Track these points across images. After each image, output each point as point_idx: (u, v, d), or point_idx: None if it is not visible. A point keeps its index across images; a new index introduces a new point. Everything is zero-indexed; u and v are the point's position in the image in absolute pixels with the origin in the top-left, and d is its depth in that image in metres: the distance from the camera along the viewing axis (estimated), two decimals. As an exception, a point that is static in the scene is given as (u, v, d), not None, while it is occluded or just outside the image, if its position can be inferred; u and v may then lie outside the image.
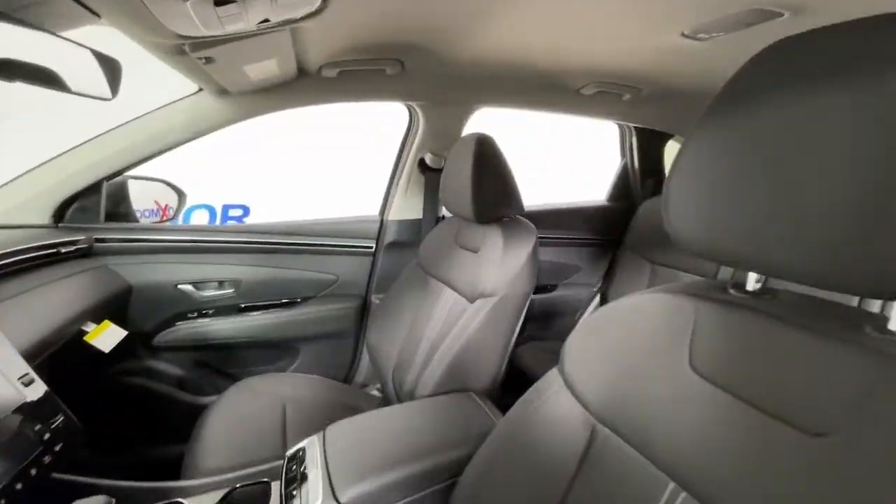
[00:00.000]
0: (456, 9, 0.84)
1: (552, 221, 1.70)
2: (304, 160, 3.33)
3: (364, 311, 1.56)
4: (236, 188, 3.36)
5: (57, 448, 0.69)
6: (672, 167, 0.50)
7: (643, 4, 0.82)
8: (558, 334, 1.93)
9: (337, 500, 0.68)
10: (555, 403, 0.64)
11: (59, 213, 1.16)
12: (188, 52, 0.74)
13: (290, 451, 0.83)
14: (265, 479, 0.84)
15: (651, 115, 1.63)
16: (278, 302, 1.45)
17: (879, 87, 0.34)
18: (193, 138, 1.17)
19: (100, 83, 0.62)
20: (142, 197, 1.42)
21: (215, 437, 1.07)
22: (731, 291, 0.53)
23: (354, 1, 0.75)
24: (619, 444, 0.55)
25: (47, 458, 0.66)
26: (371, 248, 1.53)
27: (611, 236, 1.86)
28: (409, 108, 1.40)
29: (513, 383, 1.07)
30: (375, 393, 1.49)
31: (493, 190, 1.10)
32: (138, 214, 1.42)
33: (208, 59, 0.79)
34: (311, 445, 0.82)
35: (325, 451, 0.78)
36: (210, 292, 1.37)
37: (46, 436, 0.68)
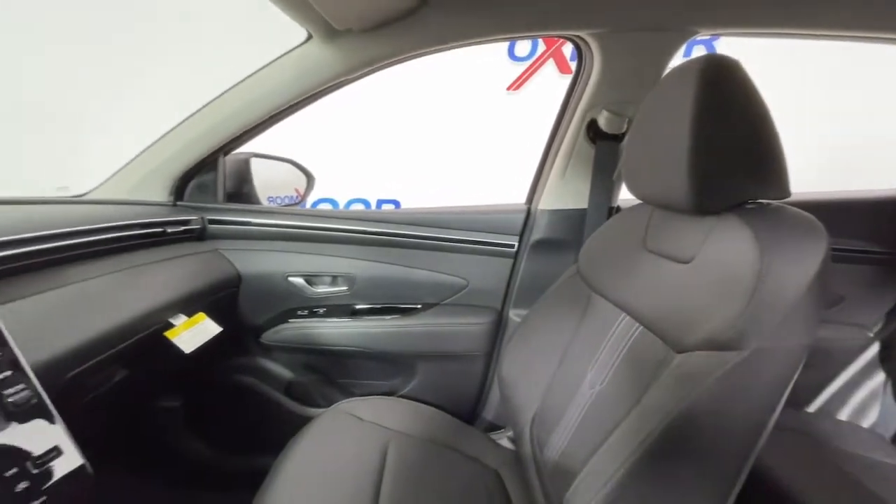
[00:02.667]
0: None
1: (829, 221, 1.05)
2: (465, 145, 3.09)
3: (499, 330, 1.19)
4: (388, 181, 3.32)
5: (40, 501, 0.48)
6: None
7: None
8: (804, 399, 1.25)
9: None
10: None
11: (179, 191, 1.07)
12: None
13: None
14: None
15: None
16: (395, 306, 1.18)
17: None
18: (307, 95, 0.95)
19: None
20: (268, 178, 1.30)
21: (296, 480, 0.83)
22: None
23: None
24: None
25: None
26: (512, 246, 1.14)
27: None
28: (578, 44, 0.96)
29: None
30: (506, 443, 1.11)
31: (732, 154, 0.60)
32: (268, 201, 1.31)
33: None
34: None
35: None
36: (322, 288, 1.17)
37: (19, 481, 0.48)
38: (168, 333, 0.84)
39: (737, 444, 0.54)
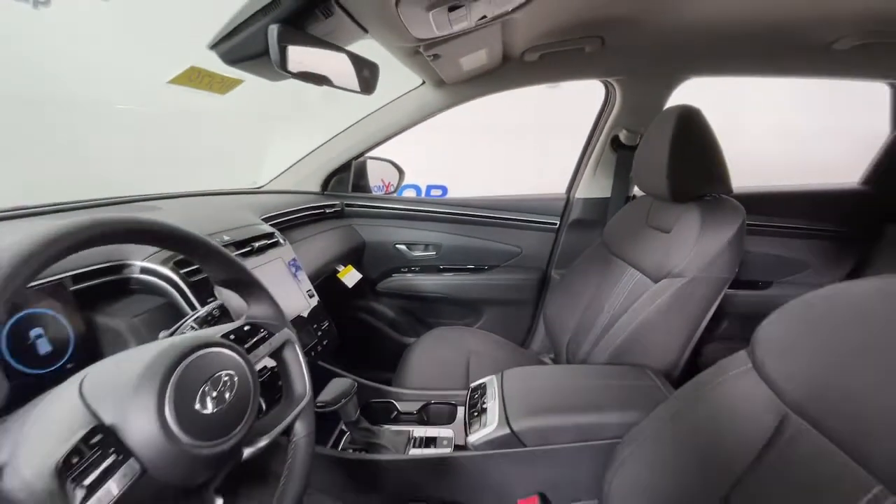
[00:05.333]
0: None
1: (776, 207, 1.44)
2: (497, 142, 3.54)
3: (544, 284, 1.64)
4: (436, 171, 3.81)
5: (324, 343, 0.99)
6: None
7: None
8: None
9: (510, 426, 0.80)
10: (739, 385, 0.61)
11: (325, 184, 1.57)
12: (422, 51, 0.94)
13: (473, 384, 0.99)
14: (453, 402, 1.03)
15: None
16: (469, 267, 1.65)
17: None
18: (417, 123, 1.43)
19: (362, 83, 0.85)
20: (375, 173, 1.79)
21: (417, 367, 1.32)
22: None
23: (560, -14, 0.81)
24: (814, 436, 0.50)
25: (319, 349, 0.96)
26: (555, 224, 1.59)
27: (862, 229, 1.48)
28: (606, 84, 1.39)
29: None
30: (548, 361, 1.57)
31: (693, 165, 1.02)
32: (372, 188, 1.80)
33: (435, 56, 0.98)
34: (491, 382, 0.96)
35: (502, 387, 0.91)
36: (418, 253, 1.65)
37: (318, 333, 0.99)
38: (339, 275, 1.35)
39: (682, 331, 0.98)
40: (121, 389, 0.40)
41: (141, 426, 0.38)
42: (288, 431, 0.57)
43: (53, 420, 0.38)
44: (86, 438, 0.35)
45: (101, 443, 0.36)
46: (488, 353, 1.43)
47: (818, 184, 1.54)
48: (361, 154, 1.54)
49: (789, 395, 0.54)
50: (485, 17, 0.79)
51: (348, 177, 1.59)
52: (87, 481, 0.34)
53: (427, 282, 1.65)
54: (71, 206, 0.86)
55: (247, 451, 0.49)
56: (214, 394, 0.44)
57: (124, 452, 0.37)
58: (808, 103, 2.73)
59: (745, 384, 0.60)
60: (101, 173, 1.79)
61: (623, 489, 0.69)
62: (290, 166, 1.55)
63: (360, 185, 1.70)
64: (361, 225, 1.60)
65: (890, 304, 0.48)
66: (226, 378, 0.46)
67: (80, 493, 0.33)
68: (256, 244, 0.92)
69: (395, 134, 1.46)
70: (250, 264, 0.90)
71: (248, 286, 0.61)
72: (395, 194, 1.77)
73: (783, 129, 2.86)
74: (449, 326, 1.58)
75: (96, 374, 0.42)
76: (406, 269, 1.66)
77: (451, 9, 0.70)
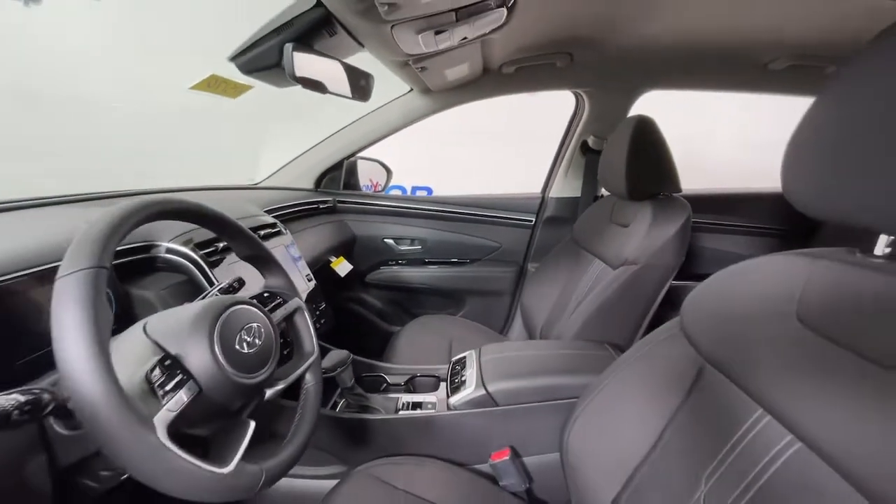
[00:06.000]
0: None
1: (727, 207, 1.62)
2: (478, 146, 3.72)
3: (521, 276, 1.79)
4: (421, 169, 3.96)
5: (321, 322, 1.11)
6: (799, 126, 0.53)
7: None
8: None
9: (485, 388, 0.93)
10: (670, 345, 0.75)
11: (319, 181, 1.69)
12: (411, 64, 1.06)
13: (454, 358, 1.12)
14: (436, 376, 1.15)
15: None
16: (452, 260, 1.78)
17: None
18: (405, 126, 1.55)
19: (359, 91, 0.97)
20: (365, 173, 1.91)
21: (403, 351, 1.44)
22: (858, 255, 0.57)
23: (532, 13, 0.95)
24: (721, 380, 0.65)
25: (317, 327, 1.08)
26: (531, 221, 1.73)
27: (801, 228, 1.66)
28: (576, 95, 1.54)
29: None
30: (524, 347, 1.70)
31: (647, 168, 1.17)
32: (362, 187, 1.92)
33: (423, 68, 1.11)
34: (470, 356, 1.09)
35: (479, 359, 1.04)
36: (405, 247, 1.77)
37: (316, 313, 1.11)
38: (332, 265, 1.46)
39: (636, 311, 1.13)
40: (180, 330, 0.51)
41: (198, 356, 0.50)
42: (299, 382, 0.69)
43: (128, 352, 0.50)
44: (161, 361, 0.47)
45: (170, 366, 0.48)
46: (469, 339, 1.56)
47: (764, 187, 1.72)
48: (353, 154, 1.66)
49: (705, 348, 0.69)
50: (466, 38, 0.92)
51: (340, 175, 1.70)
52: (167, 388, 0.45)
53: (413, 274, 1.78)
54: (81, 198, 0.95)
55: (268, 392, 0.61)
56: (248, 339, 0.56)
57: (187, 375, 0.48)
58: (770, 116, 2.96)
59: (674, 343, 0.74)
60: (99, 170, 1.86)
61: (577, 438, 0.82)
62: (286, 164, 1.66)
63: (351, 183, 1.82)
64: (352, 220, 1.71)
65: (768, 277, 0.63)
66: (255, 328, 0.58)
67: (162, 395, 0.45)
68: (262, 232, 1.03)
69: (385, 136, 1.58)
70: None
71: (267, 261, 0.73)
72: (383, 192, 1.89)
73: (745, 138, 3.09)
74: (433, 315, 1.71)
75: (157, 320, 0.54)
76: (393, 262, 1.78)
77: (437, 32, 0.83)
